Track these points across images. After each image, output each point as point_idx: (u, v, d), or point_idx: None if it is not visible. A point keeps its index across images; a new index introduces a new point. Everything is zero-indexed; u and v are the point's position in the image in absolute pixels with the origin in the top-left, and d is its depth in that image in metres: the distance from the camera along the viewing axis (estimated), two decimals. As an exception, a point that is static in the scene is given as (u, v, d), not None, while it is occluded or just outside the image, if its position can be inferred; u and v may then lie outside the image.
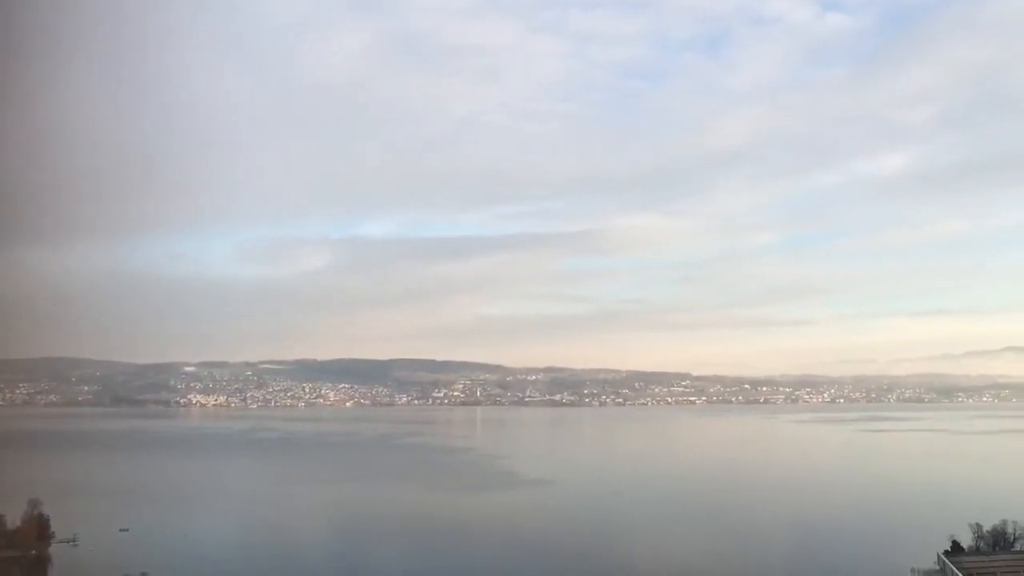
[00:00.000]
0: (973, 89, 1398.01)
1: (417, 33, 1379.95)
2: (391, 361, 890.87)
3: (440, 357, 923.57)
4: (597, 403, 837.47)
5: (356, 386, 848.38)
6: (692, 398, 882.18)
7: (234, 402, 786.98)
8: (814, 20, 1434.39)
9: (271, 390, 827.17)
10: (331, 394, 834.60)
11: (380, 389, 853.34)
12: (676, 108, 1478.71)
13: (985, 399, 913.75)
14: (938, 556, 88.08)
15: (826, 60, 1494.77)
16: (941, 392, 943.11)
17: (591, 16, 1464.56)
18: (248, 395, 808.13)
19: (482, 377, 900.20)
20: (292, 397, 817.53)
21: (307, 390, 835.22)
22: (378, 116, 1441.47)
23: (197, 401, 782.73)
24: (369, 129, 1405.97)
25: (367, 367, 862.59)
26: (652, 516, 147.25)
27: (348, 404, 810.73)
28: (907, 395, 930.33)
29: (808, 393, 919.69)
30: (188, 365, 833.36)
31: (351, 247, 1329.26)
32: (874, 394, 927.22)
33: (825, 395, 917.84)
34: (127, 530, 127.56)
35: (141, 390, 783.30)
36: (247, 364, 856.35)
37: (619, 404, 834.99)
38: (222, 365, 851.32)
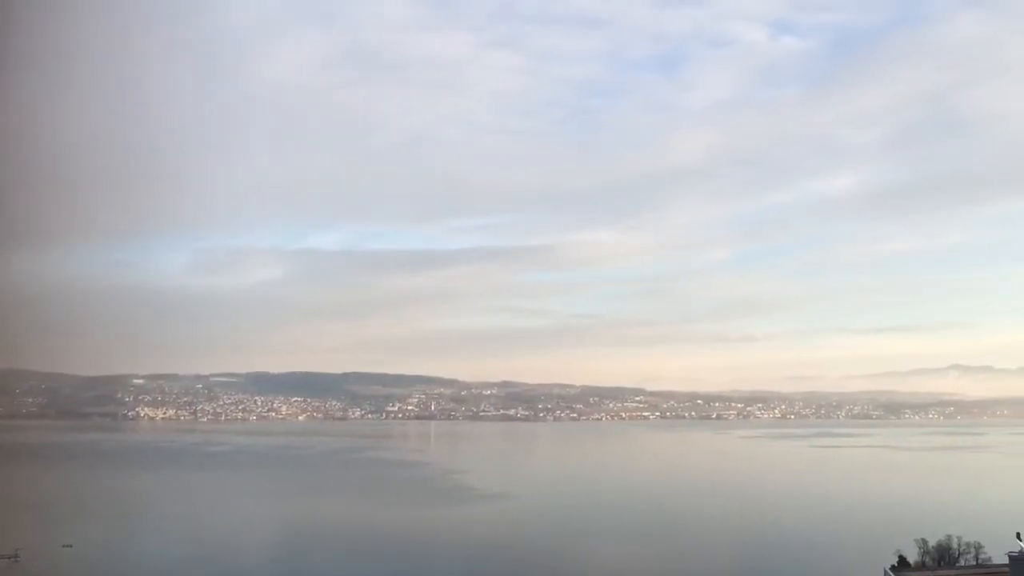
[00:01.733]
0: (919, 112, 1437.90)
1: (372, 45, 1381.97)
2: (345, 375, 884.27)
3: (394, 371, 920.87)
4: (552, 418, 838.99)
5: (309, 400, 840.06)
6: (646, 413, 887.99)
7: (184, 415, 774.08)
8: (767, 42, 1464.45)
9: (222, 403, 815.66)
10: (283, 408, 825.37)
11: (333, 403, 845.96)
12: (632, 125, 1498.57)
13: (931, 416, 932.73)
14: (885, 572, 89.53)
15: (779, 81, 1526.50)
16: (888, 409, 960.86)
17: (548, 32, 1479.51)
18: (198, 408, 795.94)
19: (437, 391, 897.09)
20: (244, 410, 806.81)
21: (259, 403, 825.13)
22: (332, 127, 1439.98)
23: (146, 414, 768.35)
24: (323, 140, 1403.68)
25: (320, 380, 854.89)
26: (606, 529, 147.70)
27: (301, 418, 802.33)
28: (855, 411, 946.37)
29: (759, 409, 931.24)
30: (137, 377, 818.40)
31: (305, 258, 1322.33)
32: (823, 410, 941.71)
33: (776, 411, 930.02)
34: (71, 546, 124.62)
35: (88, 403, 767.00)
36: (198, 377, 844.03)
37: (573, 419, 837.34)
38: (172, 377, 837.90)
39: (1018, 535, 74.78)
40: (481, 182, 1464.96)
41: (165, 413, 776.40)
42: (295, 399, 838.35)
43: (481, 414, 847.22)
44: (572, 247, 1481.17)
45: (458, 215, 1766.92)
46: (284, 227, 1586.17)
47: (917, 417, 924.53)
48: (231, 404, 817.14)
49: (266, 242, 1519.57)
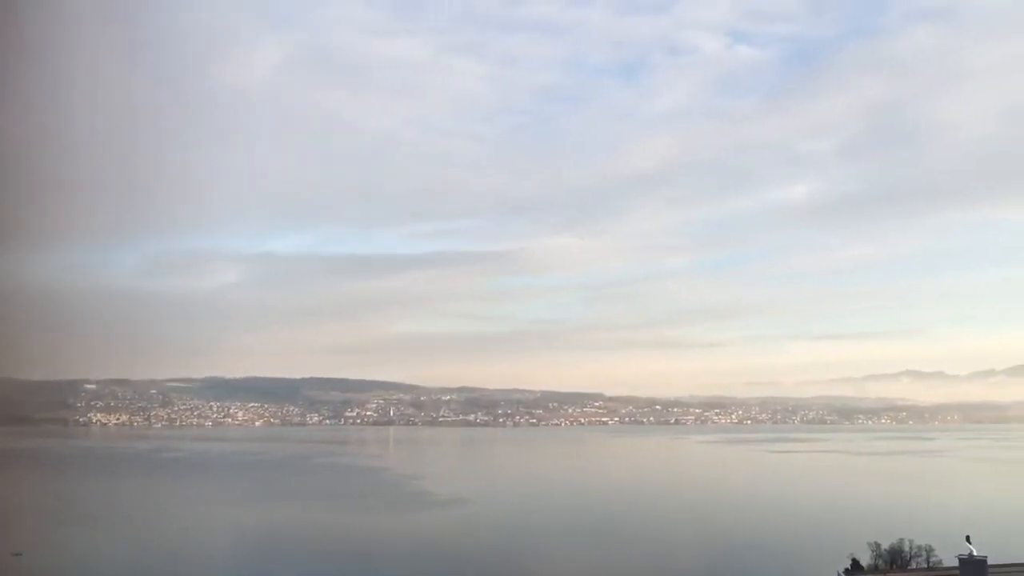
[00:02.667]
0: (874, 121, 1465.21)
1: (334, 48, 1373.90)
2: (302, 380, 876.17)
3: (353, 376, 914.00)
4: (511, 423, 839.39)
5: (266, 405, 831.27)
6: (605, 418, 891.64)
7: (137, 421, 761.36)
8: (725, 52, 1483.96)
9: (176, 409, 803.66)
10: (240, 413, 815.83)
11: (291, 408, 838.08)
12: (593, 132, 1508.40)
13: (883, 421, 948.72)
14: (838, 574, 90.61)
15: (737, 90, 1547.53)
16: (842, 414, 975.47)
17: (509, 38, 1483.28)
18: (152, 414, 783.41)
19: (396, 397, 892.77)
20: (199, 416, 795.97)
21: (215, 409, 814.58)
22: (293, 129, 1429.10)
23: (98, 420, 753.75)
24: (283, 142, 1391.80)
25: (277, 386, 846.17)
26: (564, 534, 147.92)
27: (257, 423, 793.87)
28: (811, 417, 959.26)
29: (717, 414, 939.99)
30: (88, 382, 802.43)
31: (263, 262, 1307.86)
32: (780, 415, 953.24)
33: (733, 416, 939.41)
34: (20, 555, 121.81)
35: (37, 408, 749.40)
36: (152, 382, 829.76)
37: (533, 424, 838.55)
38: (125, 383, 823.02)
39: (967, 538, 76.02)
40: (442, 187, 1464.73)
41: (118, 419, 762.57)
42: (252, 404, 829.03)
43: (440, 419, 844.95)
44: (532, 252, 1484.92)
45: (419, 220, 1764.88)
46: (243, 230, 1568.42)
47: (870, 422, 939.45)
48: (186, 410, 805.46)
49: (224, 245, 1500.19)
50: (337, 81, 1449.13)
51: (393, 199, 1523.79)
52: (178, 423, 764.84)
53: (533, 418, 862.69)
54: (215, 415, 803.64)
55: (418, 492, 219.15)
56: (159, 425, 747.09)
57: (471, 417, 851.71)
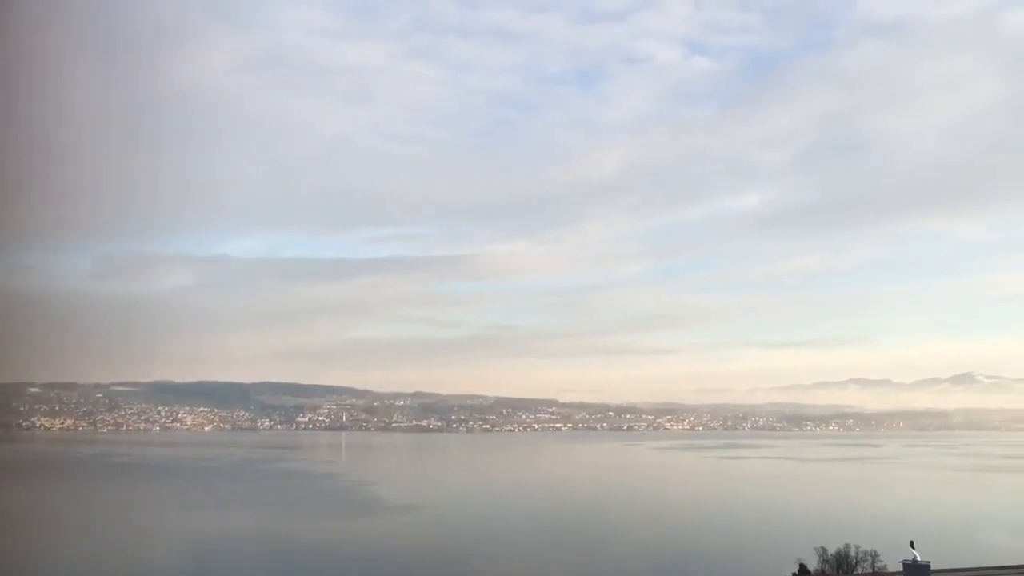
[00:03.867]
0: (825, 133, 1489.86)
1: (287, 50, 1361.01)
2: (254, 384, 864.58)
3: (305, 381, 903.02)
4: (464, 429, 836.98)
5: (216, 410, 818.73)
6: (558, 425, 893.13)
7: (83, 426, 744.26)
8: (681, 62, 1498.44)
9: (123, 413, 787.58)
10: (188, 418, 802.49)
11: (241, 413, 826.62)
12: (549, 139, 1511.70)
13: (831, 428, 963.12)
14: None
15: (692, 100, 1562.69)
16: (792, 421, 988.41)
17: (467, 44, 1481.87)
18: (98, 418, 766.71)
19: (348, 402, 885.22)
20: (146, 421, 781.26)
21: (163, 413, 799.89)
22: (245, 132, 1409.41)
23: (41, 424, 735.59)
24: (235, 145, 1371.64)
25: (228, 390, 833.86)
26: (516, 540, 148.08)
27: (207, 428, 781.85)
28: (761, 423, 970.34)
29: (669, 421, 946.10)
30: (33, 386, 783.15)
31: (214, 265, 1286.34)
32: (731, 422, 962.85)
33: (685, 423, 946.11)
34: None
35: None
36: (98, 386, 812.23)
37: (486, 430, 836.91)
38: (71, 386, 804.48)
39: (911, 543, 77.71)
40: (397, 192, 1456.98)
41: (63, 423, 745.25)
42: (201, 409, 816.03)
43: (393, 425, 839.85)
44: (487, 258, 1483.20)
45: (373, 224, 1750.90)
46: (195, 233, 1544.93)
47: (819, 429, 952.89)
48: (133, 414, 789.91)
49: (175, 248, 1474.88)
50: (293, 84, 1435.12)
51: (348, 203, 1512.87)
52: (125, 428, 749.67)
53: (487, 424, 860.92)
54: (163, 420, 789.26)
55: (370, 498, 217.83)
56: (105, 430, 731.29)
57: (425, 422, 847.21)
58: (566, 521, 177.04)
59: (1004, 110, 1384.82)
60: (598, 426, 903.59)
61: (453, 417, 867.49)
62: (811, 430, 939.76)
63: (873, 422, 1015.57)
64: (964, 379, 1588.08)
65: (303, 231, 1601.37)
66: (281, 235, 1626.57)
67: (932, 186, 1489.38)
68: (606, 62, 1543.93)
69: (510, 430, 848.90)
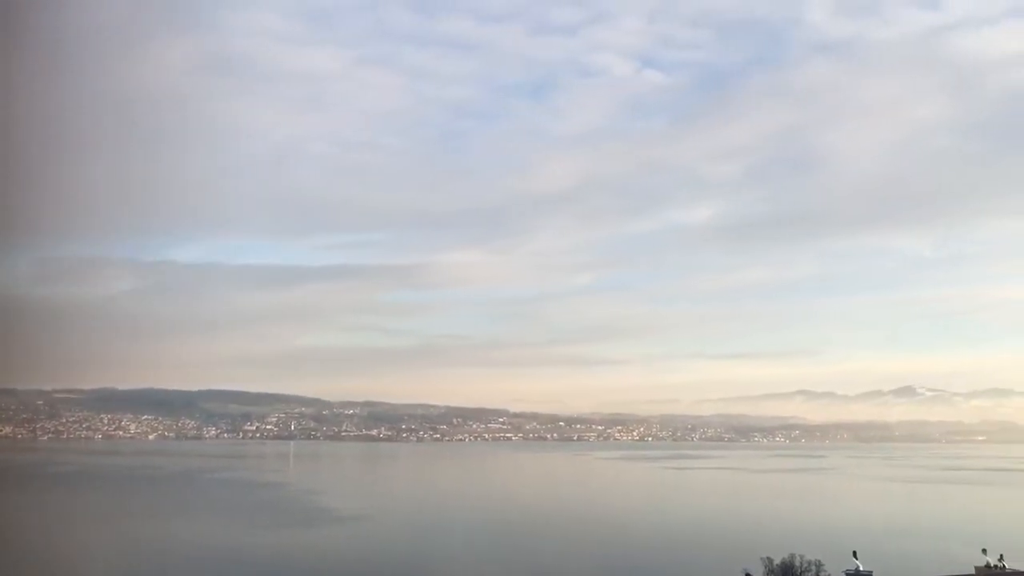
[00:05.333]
0: (774, 149, 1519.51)
1: (241, 55, 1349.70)
2: (200, 392, 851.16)
3: (253, 389, 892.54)
4: (414, 438, 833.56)
5: (160, 418, 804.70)
6: (509, 434, 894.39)
7: (22, 433, 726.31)
8: (634, 75, 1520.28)
9: (64, 421, 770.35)
10: (132, 426, 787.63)
11: (187, 421, 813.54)
12: (503, 149, 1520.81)
13: (778, 439, 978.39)
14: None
15: (644, 113, 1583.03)
16: (739, 432, 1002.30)
17: (422, 53, 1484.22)
18: (38, 426, 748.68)
19: (297, 410, 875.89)
20: (88, 429, 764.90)
21: (105, 421, 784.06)
22: (195, 136, 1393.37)
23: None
24: (185, 149, 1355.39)
25: (173, 398, 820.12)
26: (465, 550, 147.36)
27: (151, 437, 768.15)
28: (709, 434, 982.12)
29: (619, 431, 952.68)
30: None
31: (160, 271, 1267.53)
32: (679, 433, 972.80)
33: (635, 433, 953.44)
34: None
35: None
36: (39, 392, 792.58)
37: (436, 440, 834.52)
38: (9, 393, 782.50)
39: (854, 553, 79.05)
40: (349, 199, 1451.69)
41: (1, 431, 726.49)
42: (145, 417, 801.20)
43: (343, 434, 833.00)
44: (439, 267, 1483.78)
45: (324, 232, 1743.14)
46: (140, 237, 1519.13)
47: (765, 440, 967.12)
48: (74, 422, 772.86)
49: (121, 252, 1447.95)
50: (245, 89, 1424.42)
51: (299, 210, 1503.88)
52: (66, 436, 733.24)
53: (437, 433, 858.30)
54: (106, 428, 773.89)
55: (318, 508, 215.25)
56: (45, 438, 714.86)
57: (374, 432, 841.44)
58: (514, 531, 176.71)
59: (947, 129, 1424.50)
60: (548, 436, 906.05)
61: (403, 426, 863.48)
62: (758, 441, 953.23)
63: (818, 433, 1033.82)
64: (906, 392, 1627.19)
65: (252, 237, 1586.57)
66: (230, 241, 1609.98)
67: (878, 202, 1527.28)
68: (561, 74, 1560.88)
69: (460, 440, 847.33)
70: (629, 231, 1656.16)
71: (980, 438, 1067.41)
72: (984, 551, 79.48)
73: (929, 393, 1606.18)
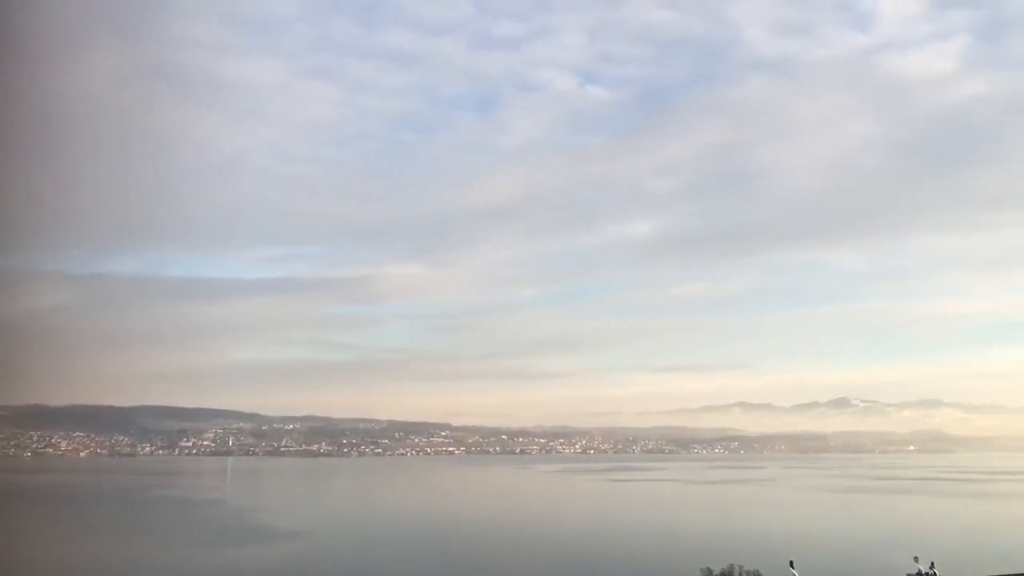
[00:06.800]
0: (713, 165, 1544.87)
1: (181, 65, 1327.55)
2: (134, 408, 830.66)
3: (190, 404, 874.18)
4: (356, 453, 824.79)
5: (93, 435, 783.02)
6: (451, 448, 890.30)
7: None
8: (576, 91, 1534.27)
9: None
10: (63, 443, 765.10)
11: (120, 438, 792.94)
12: (446, 162, 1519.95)
13: (717, 450, 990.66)
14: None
15: (586, 128, 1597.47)
16: (679, 444, 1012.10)
17: (364, 66, 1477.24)
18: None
19: (235, 426, 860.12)
20: (17, 446, 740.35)
21: (35, 438, 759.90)
22: (133, 146, 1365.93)
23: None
24: (122, 158, 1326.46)
25: (106, 414, 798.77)
26: (406, 565, 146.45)
27: (83, 454, 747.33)
28: (650, 446, 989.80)
29: (562, 444, 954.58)
30: None
31: (92, 284, 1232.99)
32: (621, 445, 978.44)
33: (577, 446, 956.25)
34: None
35: None
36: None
37: (378, 454, 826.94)
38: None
39: (791, 563, 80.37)
40: (289, 211, 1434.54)
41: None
42: (77, 434, 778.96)
43: (282, 449, 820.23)
44: (381, 280, 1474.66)
45: (264, 244, 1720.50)
46: (73, 249, 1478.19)
47: (705, 451, 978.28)
48: (2, 439, 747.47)
49: (50, 265, 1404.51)
50: (184, 99, 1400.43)
51: (238, 222, 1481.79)
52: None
53: (379, 448, 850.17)
54: (35, 445, 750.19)
55: (257, 525, 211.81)
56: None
57: (315, 447, 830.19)
58: (455, 546, 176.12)
59: (878, 147, 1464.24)
60: (491, 449, 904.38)
61: (344, 441, 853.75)
62: (698, 452, 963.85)
63: (756, 444, 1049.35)
64: (841, 403, 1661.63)
65: (190, 249, 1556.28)
66: (167, 253, 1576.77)
67: (813, 218, 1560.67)
68: (503, 88, 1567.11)
69: (402, 454, 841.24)
70: (571, 245, 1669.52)
71: (911, 448, 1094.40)
72: (916, 559, 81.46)
73: (863, 404, 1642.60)
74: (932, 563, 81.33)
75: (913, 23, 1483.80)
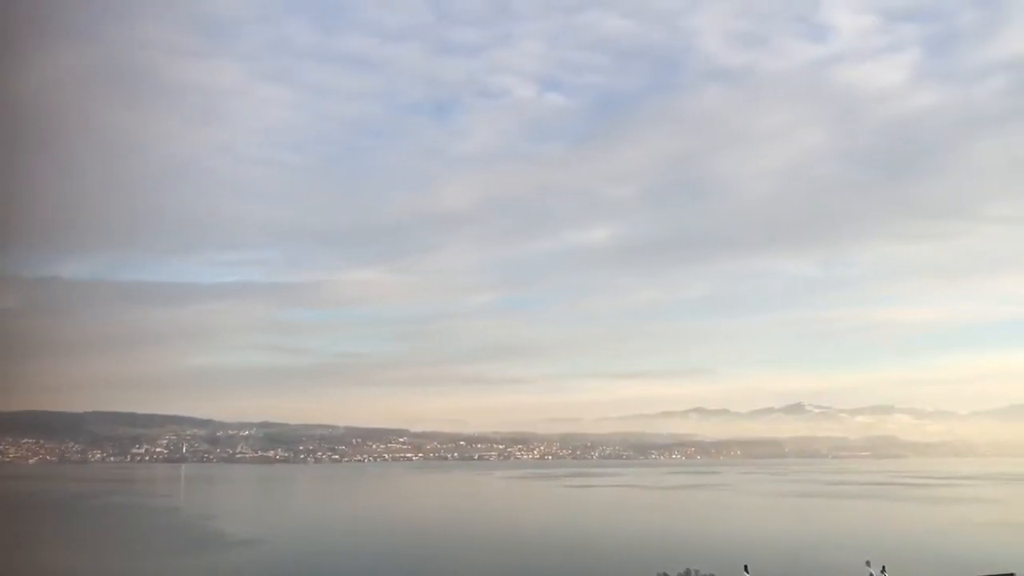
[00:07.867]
0: (668, 173, 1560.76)
1: (134, 66, 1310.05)
2: (85, 414, 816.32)
3: (142, 410, 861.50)
4: (313, 460, 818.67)
5: (42, 441, 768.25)
6: (409, 455, 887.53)
7: None
8: (535, 98, 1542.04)
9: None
10: (11, 450, 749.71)
11: (70, 444, 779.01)
12: (403, 167, 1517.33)
13: (674, 456, 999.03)
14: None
15: (544, 135, 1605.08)
16: (637, 450, 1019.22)
17: (322, 70, 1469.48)
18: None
19: (189, 432, 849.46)
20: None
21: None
22: (84, 148, 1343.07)
23: None
24: (72, 161, 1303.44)
25: (56, 420, 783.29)
26: (363, 572, 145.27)
27: (31, 461, 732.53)
28: (608, 452, 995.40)
29: (520, 450, 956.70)
30: None
31: (42, 287, 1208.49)
32: (579, 451, 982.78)
33: (535, 452, 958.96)
34: None
35: None
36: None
37: (335, 461, 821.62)
38: None
39: (745, 567, 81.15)
40: (245, 215, 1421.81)
41: None
42: (25, 440, 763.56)
43: (237, 456, 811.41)
44: (337, 286, 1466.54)
45: (218, 248, 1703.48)
46: (21, 252, 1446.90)
47: (663, 457, 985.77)
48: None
49: (0, 268, 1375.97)
50: (138, 101, 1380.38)
51: (192, 226, 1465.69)
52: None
53: (336, 454, 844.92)
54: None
55: (210, 533, 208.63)
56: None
57: (271, 453, 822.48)
58: (412, 553, 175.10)
59: (831, 157, 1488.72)
60: (449, 456, 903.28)
61: (301, 447, 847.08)
62: (656, 458, 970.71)
63: (713, 450, 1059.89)
64: (795, 409, 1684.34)
65: (143, 253, 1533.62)
66: (117, 257, 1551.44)
67: (767, 226, 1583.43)
68: (461, 94, 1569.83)
69: (360, 460, 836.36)
70: (529, 251, 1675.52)
71: (864, 453, 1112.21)
72: (868, 563, 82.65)
73: (817, 410, 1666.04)
74: (884, 567, 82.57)
75: (867, 36, 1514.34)
